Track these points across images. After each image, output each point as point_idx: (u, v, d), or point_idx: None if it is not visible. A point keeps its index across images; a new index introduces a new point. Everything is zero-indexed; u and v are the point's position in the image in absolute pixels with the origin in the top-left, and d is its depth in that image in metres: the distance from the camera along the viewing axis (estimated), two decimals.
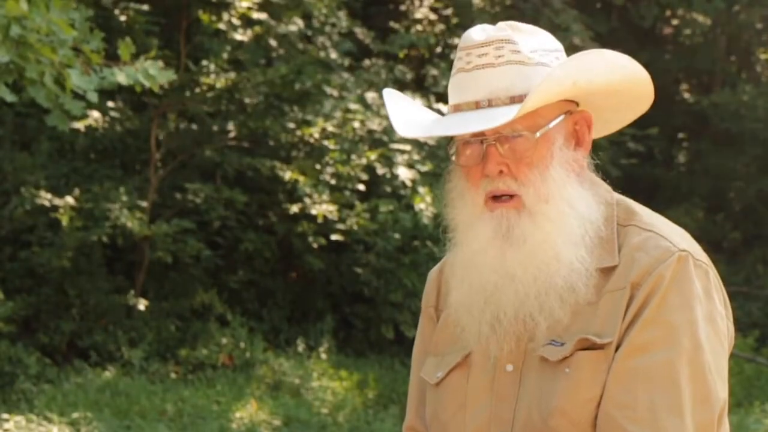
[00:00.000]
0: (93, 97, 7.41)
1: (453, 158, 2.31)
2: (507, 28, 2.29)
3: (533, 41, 2.29)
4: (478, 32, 2.30)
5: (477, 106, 2.24)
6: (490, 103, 2.23)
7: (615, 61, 2.26)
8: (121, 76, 7.63)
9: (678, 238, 2.25)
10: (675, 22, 19.93)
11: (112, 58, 8.19)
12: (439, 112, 2.43)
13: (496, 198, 2.24)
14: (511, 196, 2.23)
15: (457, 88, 2.29)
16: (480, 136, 2.24)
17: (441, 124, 2.31)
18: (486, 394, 2.27)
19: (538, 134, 2.23)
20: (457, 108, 2.27)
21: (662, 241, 2.22)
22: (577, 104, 2.32)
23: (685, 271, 2.19)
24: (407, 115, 2.36)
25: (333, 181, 14.04)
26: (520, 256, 2.21)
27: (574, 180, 2.26)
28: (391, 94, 2.39)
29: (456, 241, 2.33)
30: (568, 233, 2.21)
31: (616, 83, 2.29)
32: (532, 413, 2.20)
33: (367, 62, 15.69)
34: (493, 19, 16.76)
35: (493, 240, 2.23)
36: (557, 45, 2.33)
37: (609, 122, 2.44)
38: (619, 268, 2.21)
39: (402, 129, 2.33)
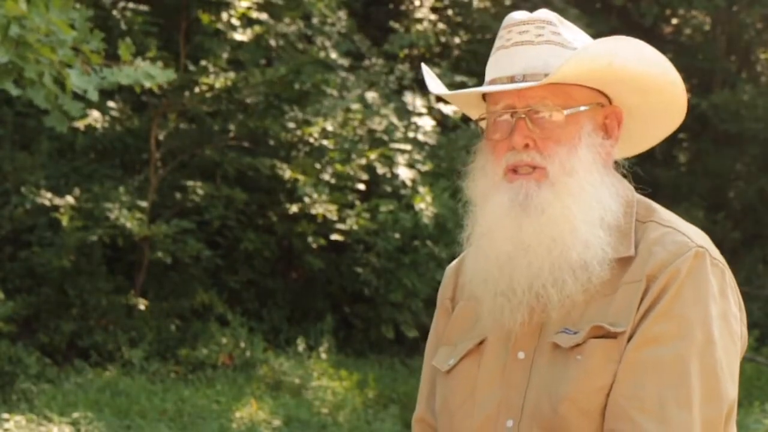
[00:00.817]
0: (93, 95, 7.40)
1: (486, 135, 2.31)
2: (550, 13, 2.31)
3: (573, 31, 2.32)
4: (522, 13, 2.32)
5: (512, 80, 2.25)
6: (525, 78, 2.24)
7: (650, 56, 2.27)
8: (121, 76, 7.62)
9: (696, 235, 2.26)
10: (675, 21, 19.93)
11: (111, 58, 8.19)
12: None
13: (516, 171, 2.24)
14: (534, 168, 2.22)
15: (495, 63, 2.30)
16: (510, 110, 2.24)
17: (468, 89, 2.34)
18: (497, 381, 2.27)
19: (566, 112, 2.22)
20: (492, 82, 2.29)
21: (680, 236, 2.23)
22: (610, 102, 2.32)
23: (702, 267, 2.19)
24: (440, 83, 2.39)
25: (333, 181, 14.04)
26: (536, 226, 2.20)
27: (600, 165, 2.26)
28: (426, 68, 2.43)
29: (474, 215, 2.32)
30: (587, 211, 2.21)
31: (651, 78, 2.29)
32: (542, 400, 2.19)
33: (367, 62, 15.69)
34: (494, 19, 16.76)
35: (509, 210, 2.22)
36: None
37: (640, 135, 2.44)
38: (636, 261, 2.21)
39: (435, 87, 2.36)
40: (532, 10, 2.38)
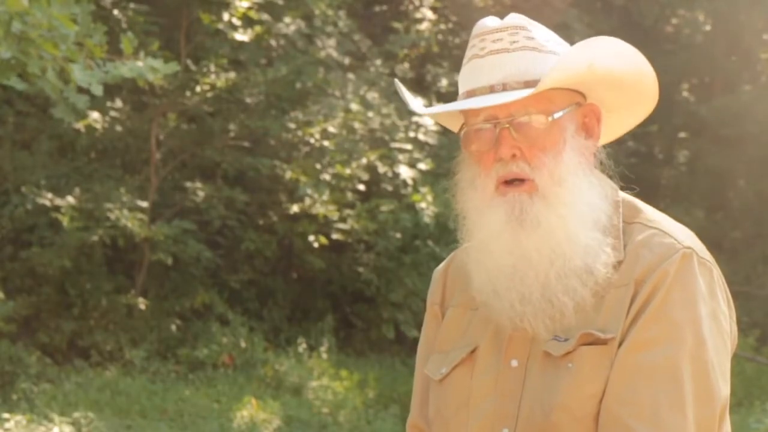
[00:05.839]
0: (97, 90, 7.38)
1: (463, 145, 2.30)
2: (521, 17, 2.30)
3: (545, 32, 2.31)
4: (493, 20, 2.31)
5: (491, 90, 2.24)
6: (504, 87, 2.23)
7: (625, 51, 2.27)
8: (124, 70, 7.60)
9: (683, 236, 2.25)
10: (675, 21, 19.94)
11: (113, 55, 8.18)
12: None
13: (507, 183, 2.23)
14: (523, 181, 2.22)
15: (471, 73, 2.28)
16: (492, 120, 2.23)
17: (454, 103, 2.30)
18: (490, 390, 2.26)
19: (550, 118, 2.22)
20: (471, 93, 2.27)
21: (667, 238, 2.22)
22: (585, 98, 2.32)
23: (689, 268, 2.19)
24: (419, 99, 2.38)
25: (333, 181, 14.05)
26: (535, 239, 2.20)
27: (585, 167, 2.26)
28: (400, 85, 2.40)
29: (467, 229, 2.30)
30: (581, 217, 2.21)
31: (626, 73, 2.29)
32: (535, 409, 2.19)
33: (367, 62, 15.70)
34: None
35: (506, 225, 2.21)
36: (565, 42, 2.34)
37: (613, 125, 2.44)
38: (624, 265, 2.20)
39: (417, 106, 2.33)
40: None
